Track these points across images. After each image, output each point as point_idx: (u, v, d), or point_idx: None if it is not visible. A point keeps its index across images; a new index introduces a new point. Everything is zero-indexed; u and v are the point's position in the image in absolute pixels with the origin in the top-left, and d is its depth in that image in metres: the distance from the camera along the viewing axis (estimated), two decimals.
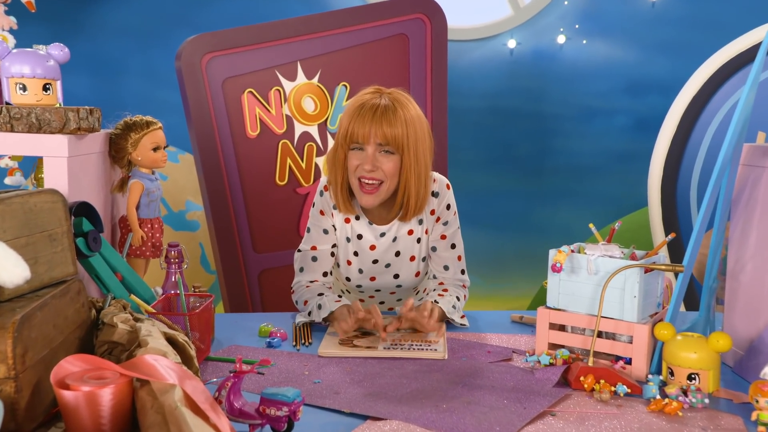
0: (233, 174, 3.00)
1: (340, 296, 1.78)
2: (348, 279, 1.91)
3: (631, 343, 1.39)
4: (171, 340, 1.28)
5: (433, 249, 1.86)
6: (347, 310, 1.67)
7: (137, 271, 1.80)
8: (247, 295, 3.01)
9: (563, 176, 4.07)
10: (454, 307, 1.77)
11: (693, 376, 1.29)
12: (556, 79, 4.00)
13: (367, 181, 1.71)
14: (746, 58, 3.46)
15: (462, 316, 1.79)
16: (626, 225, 3.94)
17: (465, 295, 1.87)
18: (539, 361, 1.45)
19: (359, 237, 1.84)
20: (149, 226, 1.83)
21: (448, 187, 1.86)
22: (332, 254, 1.86)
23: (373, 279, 1.88)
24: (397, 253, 1.85)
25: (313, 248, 1.85)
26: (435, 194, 1.84)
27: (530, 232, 4.01)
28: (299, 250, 1.88)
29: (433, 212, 1.84)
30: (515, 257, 3.97)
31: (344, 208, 1.80)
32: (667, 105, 3.61)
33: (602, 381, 1.32)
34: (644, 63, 3.96)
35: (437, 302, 1.74)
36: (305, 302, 1.79)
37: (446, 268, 1.86)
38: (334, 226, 1.85)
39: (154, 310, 1.47)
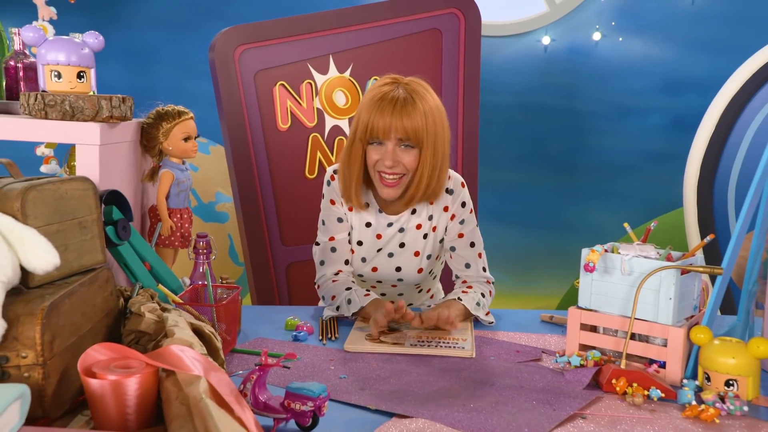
0: (263, 166, 3.00)
1: (368, 290, 1.76)
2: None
3: (665, 346, 1.36)
4: (197, 331, 1.27)
5: (452, 249, 1.84)
6: (377, 305, 1.65)
7: (166, 261, 1.81)
8: (274, 287, 3.01)
9: (595, 175, 4.02)
10: (478, 304, 1.74)
11: (731, 382, 1.25)
12: (591, 77, 3.95)
13: (388, 176, 1.71)
14: None
15: (487, 313, 1.77)
16: (660, 225, 3.87)
17: (491, 291, 1.84)
18: (569, 362, 1.42)
19: (368, 225, 1.83)
20: (178, 216, 1.83)
21: (462, 185, 1.84)
22: (349, 241, 1.84)
23: (375, 270, 1.86)
24: (402, 245, 1.84)
25: (331, 239, 1.84)
26: (449, 191, 1.82)
27: (560, 231, 3.97)
28: (317, 243, 1.87)
29: (446, 209, 1.82)
30: (545, 256, 3.94)
31: (356, 202, 1.79)
32: (705, 104, 3.55)
33: (635, 384, 1.28)
34: (682, 61, 3.89)
35: (461, 299, 1.72)
36: (332, 297, 1.78)
37: (467, 266, 1.83)
38: (345, 213, 1.84)
39: (181, 301, 1.47)
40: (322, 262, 1.85)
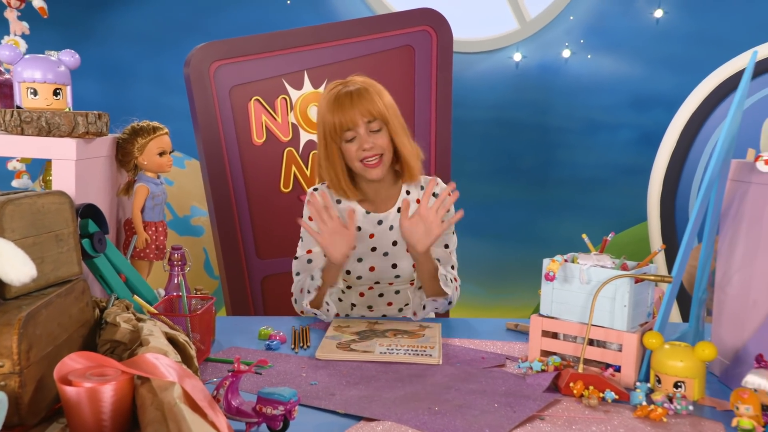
0: (238, 180, 3.04)
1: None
2: (348, 272, 1.96)
3: (620, 351, 1.42)
4: (172, 340, 1.31)
5: None
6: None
7: (141, 273, 1.84)
8: (249, 300, 3.04)
9: (567, 188, 4.10)
10: (448, 278, 1.87)
11: (679, 383, 1.32)
12: (561, 93, 4.04)
13: (369, 159, 1.85)
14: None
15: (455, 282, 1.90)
16: (628, 238, 3.97)
17: (457, 287, 1.93)
18: (531, 368, 1.48)
19: (358, 229, 1.94)
20: (153, 229, 1.87)
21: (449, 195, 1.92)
22: (325, 255, 1.89)
23: (372, 269, 1.96)
24: (395, 243, 1.96)
25: (308, 252, 1.95)
26: (435, 195, 1.98)
27: (533, 243, 4.04)
28: (296, 258, 1.96)
29: None
30: (518, 267, 4.01)
31: (351, 192, 1.92)
32: (672, 120, 3.64)
33: (591, 387, 1.35)
34: (649, 78, 3.99)
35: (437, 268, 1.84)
36: (300, 290, 1.88)
37: (438, 260, 1.92)
38: None
39: (156, 311, 1.51)
40: (297, 273, 1.95)
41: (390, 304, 2.05)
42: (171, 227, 3.50)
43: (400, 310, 2.06)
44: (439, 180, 2.01)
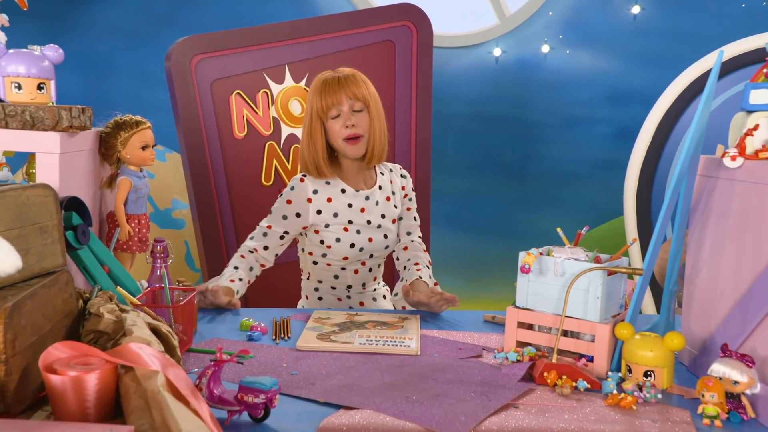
0: (220, 174, 3.06)
1: (234, 280, 1.99)
2: (352, 245, 2.10)
3: (593, 342, 1.47)
4: (155, 331, 1.33)
5: (400, 218, 2.23)
6: (224, 291, 1.93)
7: (124, 265, 1.86)
8: None
9: (545, 182, 4.15)
10: (430, 277, 2.13)
11: (649, 373, 1.36)
12: (540, 88, 4.08)
13: (351, 136, 2.03)
14: (722, 71, 3.56)
15: (435, 284, 2.13)
16: (605, 232, 4.03)
17: (429, 261, 2.21)
18: (507, 358, 1.52)
19: (350, 206, 2.11)
20: (136, 221, 1.89)
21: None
22: (281, 237, 2.09)
23: (371, 240, 2.13)
24: (383, 215, 2.16)
25: (269, 227, 2.10)
26: (404, 176, 2.25)
27: (512, 237, 4.09)
28: (259, 225, 2.12)
29: (404, 188, 2.23)
30: (497, 261, 4.05)
31: (327, 172, 2.08)
32: (647, 115, 3.69)
33: (564, 377, 1.39)
34: (625, 74, 4.05)
35: (421, 278, 2.08)
36: (227, 264, 2.07)
37: (408, 233, 2.23)
38: (298, 213, 2.07)
39: (139, 302, 1.53)
40: (251, 237, 2.11)
41: (375, 279, 2.23)
42: (152, 220, 3.49)
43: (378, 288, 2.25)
44: (402, 168, 2.29)
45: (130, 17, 3.80)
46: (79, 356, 1.15)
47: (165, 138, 3.53)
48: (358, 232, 2.11)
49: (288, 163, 3.14)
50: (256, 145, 3.09)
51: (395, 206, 2.19)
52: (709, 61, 3.30)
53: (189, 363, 1.49)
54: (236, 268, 2.03)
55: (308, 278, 2.22)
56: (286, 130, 3.13)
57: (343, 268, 2.14)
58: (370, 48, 3.20)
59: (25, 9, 2.74)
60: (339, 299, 2.19)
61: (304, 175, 2.11)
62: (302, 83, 3.12)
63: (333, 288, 2.17)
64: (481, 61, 4.07)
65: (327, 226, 2.09)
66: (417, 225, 2.26)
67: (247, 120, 3.07)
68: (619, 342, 1.46)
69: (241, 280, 2.00)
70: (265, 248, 2.08)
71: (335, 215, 2.09)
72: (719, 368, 1.26)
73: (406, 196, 2.24)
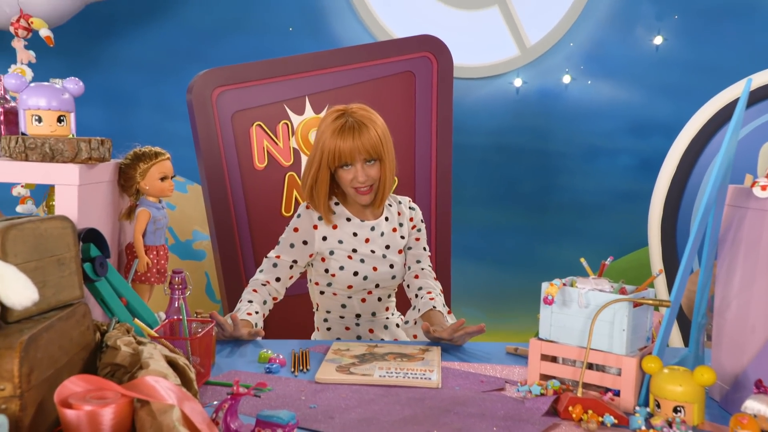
0: (240, 205, 3.06)
1: (252, 313, 1.97)
2: (355, 273, 2.09)
3: (620, 375, 1.42)
4: (172, 363, 1.32)
5: (409, 248, 2.21)
6: (243, 324, 1.90)
7: (142, 297, 1.85)
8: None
9: (567, 214, 4.12)
10: (443, 305, 2.10)
11: (678, 408, 1.32)
12: (561, 118, 4.07)
13: (362, 188, 2.03)
14: (749, 100, 3.52)
15: (449, 312, 2.11)
16: (628, 263, 3.97)
17: (441, 289, 2.18)
18: (530, 391, 1.48)
19: (354, 234, 2.11)
20: (155, 252, 1.89)
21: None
22: (291, 267, 2.08)
23: (375, 269, 2.11)
24: (387, 246, 2.15)
25: (278, 257, 2.09)
26: (412, 208, 2.24)
27: (533, 269, 4.04)
28: (267, 257, 2.11)
29: (411, 219, 2.22)
30: (518, 292, 4.01)
31: (326, 218, 2.09)
32: (671, 146, 3.66)
33: (590, 411, 1.35)
34: (648, 105, 4.03)
35: (435, 307, 2.05)
36: (240, 300, 2.04)
37: (418, 261, 2.19)
38: (305, 241, 2.08)
39: (156, 335, 1.51)
40: (261, 270, 2.09)
41: (387, 309, 2.20)
42: (173, 251, 3.51)
43: (391, 316, 2.23)
44: (412, 201, 2.28)
45: (152, 52, 3.86)
46: (95, 390, 1.13)
47: (186, 170, 3.56)
48: (362, 261, 2.10)
49: None
50: (276, 176, 3.10)
51: (402, 237, 2.18)
52: (734, 92, 3.27)
53: (207, 396, 1.47)
54: (251, 302, 2.00)
55: (317, 309, 2.22)
56: (306, 161, 3.13)
57: (349, 297, 2.14)
58: (390, 79, 3.21)
59: (52, 45, 2.80)
60: (347, 328, 2.18)
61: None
62: (322, 114, 3.13)
63: (341, 317, 2.16)
64: (501, 92, 4.07)
65: (332, 253, 2.09)
66: (427, 255, 2.23)
67: (267, 151, 3.08)
68: (646, 376, 1.41)
69: (257, 313, 1.98)
70: (277, 280, 2.07)
71: (340, 242, 2.09)
72: (754, 405, 1.22)
73: (414, 227, 2.22)
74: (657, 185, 3.37)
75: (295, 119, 3.10)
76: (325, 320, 2.19)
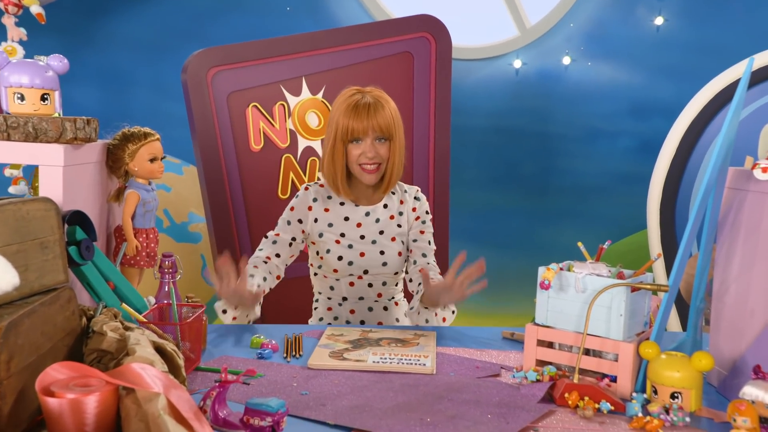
0: (236, 187, 3.03)
1: (255, 275, 1.94)
2: (340, 257, 2.07)
3: (616, 361, 1.40)
4: (160, 349, 1.29)
5: (414, 240, 2.14)
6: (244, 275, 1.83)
7: (131, 281, 1.82)
8: None
9: (567, 196, 4.08)
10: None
11: (676, 394, 1.29)
12: (561, 100, 4.02)
13: (368, 165, 2.02)
14: (750, 80, 3.48)
15: (453, 312, 2.02)
16: (627, 246, 3.94)
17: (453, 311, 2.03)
18: (526, 377, 1.45)
19: (346, 219, 2.09)
20: (144, 235, 1.86)
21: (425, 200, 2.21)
22: (290, 244, 2.08)
23: (362, 255, 2.08)
24: (381, 232, 2.10)
25: (277, 235, 2.09)
26: (417, 198, 2.17)
27: (533, 251, 4.02)
28: (266, 237, 2.10)
29: (414, 209, 2.15)
30: (517, 275, 3.97)
31: (344, 192, 2.07)
32: (671, 128, 3.62)
33: (586, 398, 1.32)
34: (648, 86, 3.98)
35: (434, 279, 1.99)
36: (254, 266, 2.00)
37: (424, 255, 2.12)
38: (300, 220, 2.09)
39: (145, 319, 1.49)
40: (260, 249, 2.08)
41: (380, 295, 2.13)
42: (168, 234, 3.48)
43: (387, 305, 2.15)
44: (420, 191, 2.20)
45: (149, 31, 3.80)
46: (79, 377, 1.11)
47: (183, 151, 3.52)
48: (350, 246, 2.07)
49: (305, 175, 3.10)
50: (272, 158, 3.06)
51: (399, 225, 2.12)
52: (735, 73, 3.22)
53: (196, 382, 1.45)
54: (252, 275, 1.94)
55: (313, 290, 2.21)
56: (302, 143, 3.09)
57: (337, 280, 2.11)
58: (388, 60, 3.16)
59: (43, 23, 2.74)
60: (329, 309, 2.14)
61: (309, 185, 2.14)
62: (319, 95, 3.09)
63: (328, 299, 2.14)
64: (501, 73, 4.02)
65: (321, 235, 2.08)
66: (432, 249, 2.15)
67: (263, 132, 3.04)
68: (643, 361, 1.39)
69: (265, 279, 1.95)
70: (277, 256, 2.06)
71: (330, 225, 2.09)
72: (752, 391, 1.19)
73: (418, 218, 2.15)
74: (656, 168, 3.34)
75: (292, 100, 3.07)
76: (316, 300, 2.18)
